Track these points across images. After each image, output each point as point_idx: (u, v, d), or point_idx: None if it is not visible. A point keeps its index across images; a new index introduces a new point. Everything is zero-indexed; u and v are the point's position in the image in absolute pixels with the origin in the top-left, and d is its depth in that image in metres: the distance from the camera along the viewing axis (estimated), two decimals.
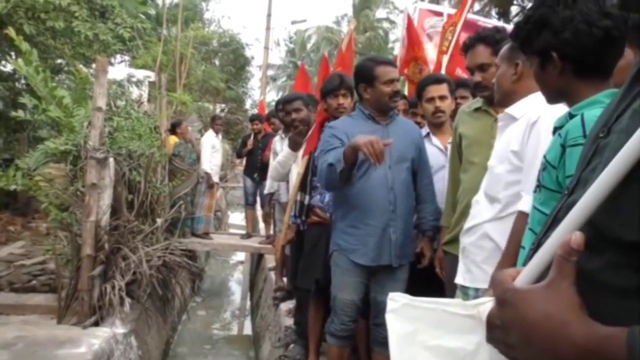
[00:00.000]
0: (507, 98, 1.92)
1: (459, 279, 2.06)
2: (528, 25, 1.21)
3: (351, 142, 2.40)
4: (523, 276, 0.67)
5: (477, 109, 2.42)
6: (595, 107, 1.08)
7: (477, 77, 2.31)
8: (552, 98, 1.27)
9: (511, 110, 1.90)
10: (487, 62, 2.24)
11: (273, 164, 4.52)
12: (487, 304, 0.72)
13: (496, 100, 2.03)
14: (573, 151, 1.08)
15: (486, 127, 2.33)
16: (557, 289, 0.60)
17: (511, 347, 0.64)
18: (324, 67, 4.08)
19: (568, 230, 0.64)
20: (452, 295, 2.17)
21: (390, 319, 0.77)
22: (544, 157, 1.20)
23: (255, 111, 11.95)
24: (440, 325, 0.75)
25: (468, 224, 2.04)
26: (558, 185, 1.12)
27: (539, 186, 1.21)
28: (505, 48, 1.91)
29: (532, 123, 1.76)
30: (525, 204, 1.62)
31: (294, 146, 3.90)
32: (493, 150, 2.00)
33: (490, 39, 2.26)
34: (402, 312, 0.77)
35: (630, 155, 0.59)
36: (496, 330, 0.66)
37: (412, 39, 4.72)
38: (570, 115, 1.16)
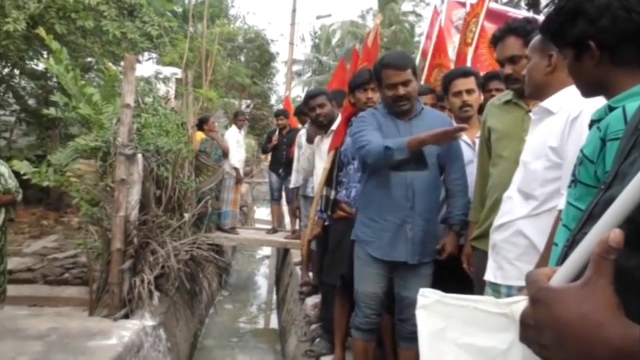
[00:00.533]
0: (540, 91, 1.86)
1: (489, 276, 2.02)
2: (560, 16, 1.17)
3: (421, 137, 2.45)
4: (559, 275, 0.65)
5: (507, 102, 2.36)
6: (636, 99, 1.03)
7: (508, 69, 2.24)
8: (587, 91, 1.22)
9: (547, 104, 1.83)
10: (518, 54, 2.18)
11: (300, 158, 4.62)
12: (520, 303, 0.70)
13: (527, 93, 1.97)
14: (614, 145, 1.02)
15: (517, 120, 2.27)
16: (593, 288, 0.57)
17: (544, 347, 0.62)
18: (354, 61, 4.06)
19: (606, 227, 0.61)
20: (480, 292, 2.13)
21: (420, 315, 0.76)
22: (581, 151, 1.15)
23: (281, 107, 11.97)
24: (472, 323, 0.74)
25: (500, 220, 1.99)
26: (596, 181, 1.08)
27: (574, 181, 1.17)
28: (537, 39, 1.85)
29: (574, 119, 1.70)
30: None
31: (308, 138, 4.09)
32: (526, 145, 1.94)
33: (521, 30, 2.19)
34: (433, 308, 0.76)
35: None
36: (529, 330, 0.64)
37: (440, 46, 4.67)
38: (610, 108, 1.11)
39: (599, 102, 1.21)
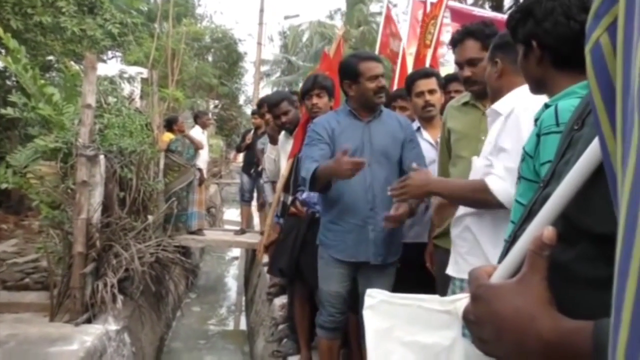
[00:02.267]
0: (496, 95, 1.94)
1: (449, 270, 2.07)
2: (517, 14, 1.26)
3: (325, 169, 2.42)
4: (498, 272, 0.67)
5: (465, 104, 2.42)
6: (570, 98, 1.11)
7: (467, 71, 2.29)
8: (534, 88, 1.31)
9: (496, 106, 1.91)
10: (477, 57, 2.22)
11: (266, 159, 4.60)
12: (463, 300, 0.72)
13: (489, 96, 2.05)
14: (547, 139, 1.11)
15: (474, 121, 2.33)
16: (527, 283, 0.60)
17: (485, 342, 0.64)
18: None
19: (542, 223, 0.64)
20: (442, 288, 2.18)
21: (367, 315, 0.77)
22: (523, 148, 1.22)
23: (250, 107, 11.91)
24: (417, 322, 0.75)
25: (455, 215, 2.06)
26: (535, 175, 1.15)
27: (519, 178, 1.23)
28: (490, 48, 1.93)
29: (506, 116, 1.79)
30: (491, 180, 1.75)
31: (272, 140, 4.14)
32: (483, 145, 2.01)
33: (478, 33, 2.24)
34: (379, 308, 0.77)
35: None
36: (471, 325, 0.66)
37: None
38: (546, 106, 1.19)
39: (536, 101, 1.28)
